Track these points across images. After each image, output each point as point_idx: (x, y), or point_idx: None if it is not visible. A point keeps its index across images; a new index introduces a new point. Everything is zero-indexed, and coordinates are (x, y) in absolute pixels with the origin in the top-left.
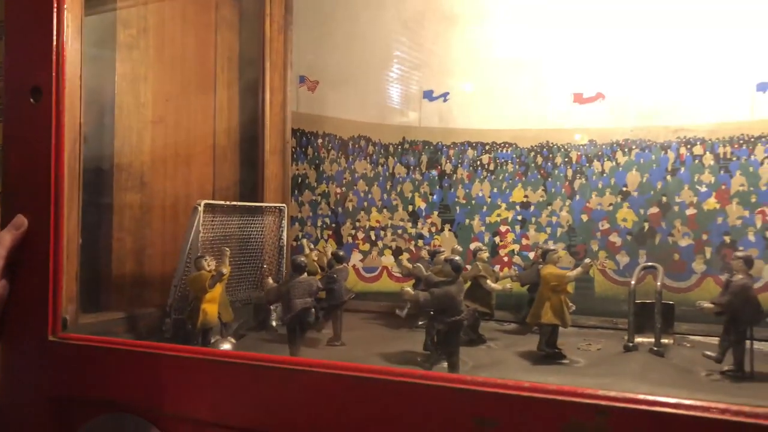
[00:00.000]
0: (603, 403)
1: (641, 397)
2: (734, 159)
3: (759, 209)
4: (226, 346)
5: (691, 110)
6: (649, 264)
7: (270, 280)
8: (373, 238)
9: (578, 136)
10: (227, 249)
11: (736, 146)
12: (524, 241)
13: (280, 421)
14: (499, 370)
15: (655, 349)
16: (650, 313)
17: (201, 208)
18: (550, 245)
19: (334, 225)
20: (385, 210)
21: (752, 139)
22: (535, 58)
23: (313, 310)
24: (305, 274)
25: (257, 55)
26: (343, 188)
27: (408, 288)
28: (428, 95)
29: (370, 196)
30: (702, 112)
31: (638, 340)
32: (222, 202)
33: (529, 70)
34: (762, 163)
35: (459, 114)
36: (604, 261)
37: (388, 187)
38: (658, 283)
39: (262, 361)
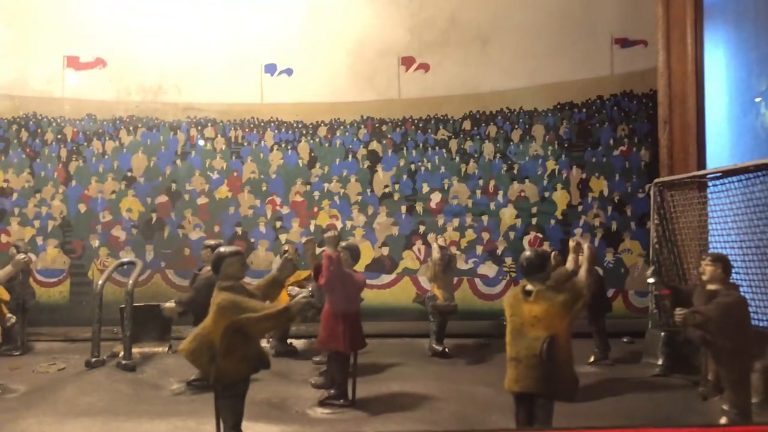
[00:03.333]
0: None
1: None
2: (246, 144)
3: (269, 198)
4: None
5: (202, 88)
6: (127, 260)
7: None
8: None
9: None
10: None
11: (247, 130)
12: (5, 239)
13: None
14: None
15: (124, 362)
16: (145, 318)
17: None
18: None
19: None
20: None
21: (263, 124)
22: (14, 3)
23: None
24: None
25: None
26: None
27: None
28: None
29: None
30: (213, 91)
31: (136, 350)
32: None
33: (9, 20)
34: (272, 150)
35: None
36: (106, 259)
37: None
38: (130, 282)
39: None
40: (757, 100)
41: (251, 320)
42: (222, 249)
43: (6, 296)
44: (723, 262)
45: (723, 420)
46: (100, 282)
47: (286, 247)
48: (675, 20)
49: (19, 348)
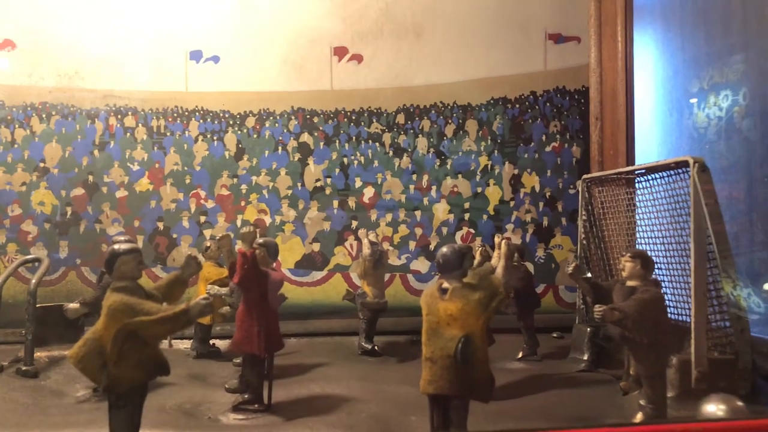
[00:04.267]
0: None
1: None
2: (169, 134)
3: (194, 191)
4: None
5: (122, 74)
6: (32, 257)
7: None
8: None
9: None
10: None
11: (170, 120)
12: None
13: None
14: None
15: (24, 368)
16: (54, 319)
17: None
18: None
19: None
20: None
21: (187, 113)
22: None
23: None
24: None
25: None
26: None
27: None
28: None
29: None
30: (134, 78)
31: (42, 354)
32: None
33: None
34: (197, 140)
35: None
36: (14, 256)
37: None
38: (33, 281)
39: None
40: (693, 101)
41: (146, 323)
42: (116, 246)
43: None
44: (642, 258)
45: (639, 416)
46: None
47: (208, 243)
48: (607, 18)
49: None
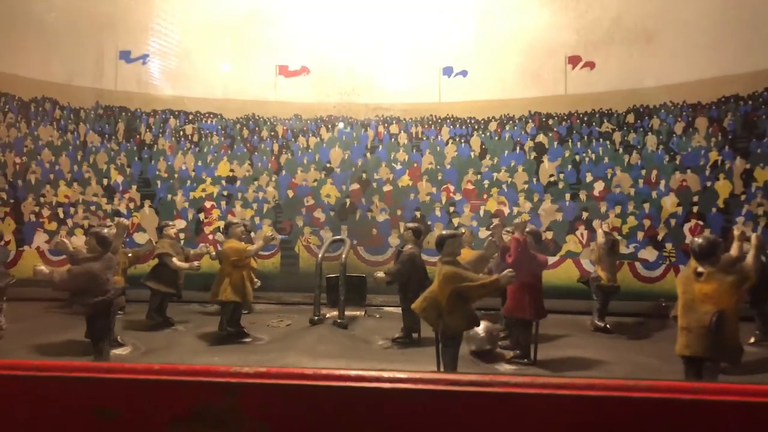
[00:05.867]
0: (233, 381)
1: (273, 371)
2: (424, 138)
3: (444, 186)
4: None
5: (388, 90)
6: (338, 237)
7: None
8: (62, 215)
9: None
10: None
11: (426, 126)
12: (229, 218)
13: None
14: (170, 354)
15: (339, 321)
16: (346, 287)
17: None
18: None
19: (12, 201)
20: (75, 183)
21: (439, 120)
22: (237, 24)
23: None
24: None
25: None
26: (24, 158)
27: (41, 267)
28: (125, 56)
29: (57, 167)
30: (397, 92)
31: (333, 313)
32: None
33: (231, 36)
34: (447, 143)
35: (160, 79)
36: (309, 236)
37: (79, 157)
38: (343, 256)
39: None
40: None
41: (470, 288)
42: (444, 232)
43: (255, 265)
44: None
45: None
46: (320, 255)
47: (462, 230)
48: None
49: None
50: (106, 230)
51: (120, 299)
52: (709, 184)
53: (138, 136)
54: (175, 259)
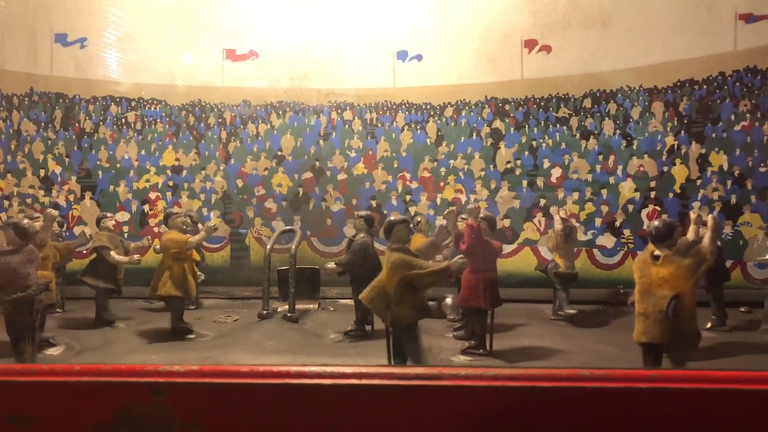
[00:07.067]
0: (161, 380)
1: (205, 369)
2: (379, 125)
3: (400, 174)
4: None
5: (340, 75)
6: (289, 228)
7: None
8: None
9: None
10: None
11: (380, 113)
12: (169, 209)
13: None
14: (105, 353)
15: (289, 315)
16: (298, 280)
17: None
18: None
19: None
20: (9, 175)
21: (394, 106)
22: (183, 5)
23: None
24: None
25: None
26: None
27: None
28: (61, 40)
29: None
30: (350, 78)
31: (284, 307)
32: None
33: (176, 18)
34: (402, 130)
35: (100, 64)
36: (260, 228)
37: (12, 146)
38: (293, 247)
39: None
40: None
41: (419, 275)
42: (392, 218)
43: (198, 257)
44: None
45: None
46: (268, 247)
47: (418, 218)
48: None
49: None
50: (26, 221)
51: (51, 296)
52: (666, 169)
53: (77, 124)
54: (113, 253)
